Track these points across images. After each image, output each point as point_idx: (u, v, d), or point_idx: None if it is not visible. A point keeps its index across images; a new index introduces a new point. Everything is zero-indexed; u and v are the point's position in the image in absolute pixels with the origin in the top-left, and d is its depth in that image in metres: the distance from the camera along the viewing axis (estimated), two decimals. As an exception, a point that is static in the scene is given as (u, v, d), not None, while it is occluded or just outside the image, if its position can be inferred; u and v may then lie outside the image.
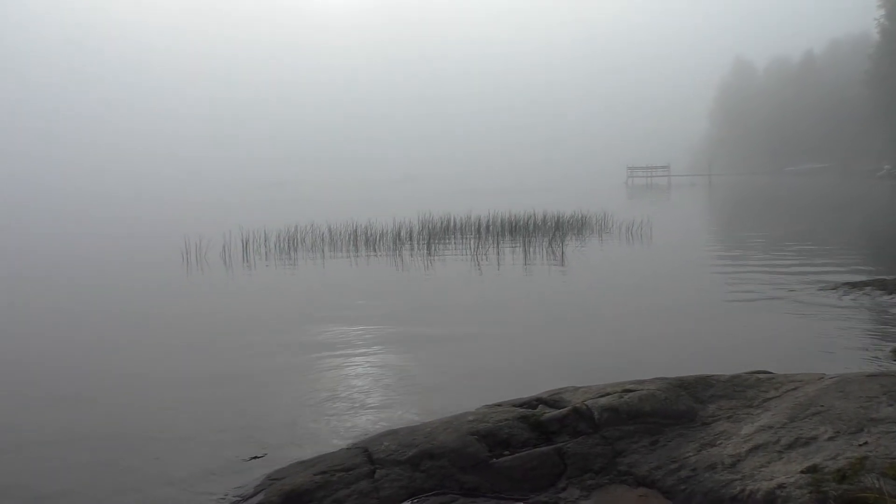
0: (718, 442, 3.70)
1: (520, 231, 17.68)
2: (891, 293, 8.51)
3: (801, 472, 3.18)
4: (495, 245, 15.66)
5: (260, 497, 3.75)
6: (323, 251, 15.57)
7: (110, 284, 12.06)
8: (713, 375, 4.40)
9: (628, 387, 4.27)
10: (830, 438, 3.40)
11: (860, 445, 3.28)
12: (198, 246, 15.39)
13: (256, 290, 10.93)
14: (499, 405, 4.48)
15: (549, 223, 18.49)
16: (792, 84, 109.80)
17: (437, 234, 17.35)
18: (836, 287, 9.16)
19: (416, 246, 15.91)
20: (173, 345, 7.40)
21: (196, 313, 9.16)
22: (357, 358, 6.58)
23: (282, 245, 16.42)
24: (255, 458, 4.32)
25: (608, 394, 4.21)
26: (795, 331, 7.15)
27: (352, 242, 16.70)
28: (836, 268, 11.23)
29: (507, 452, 3.88)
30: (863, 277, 9.81)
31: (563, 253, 14.16)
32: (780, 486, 3.12)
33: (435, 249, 15.22)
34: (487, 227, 18.04)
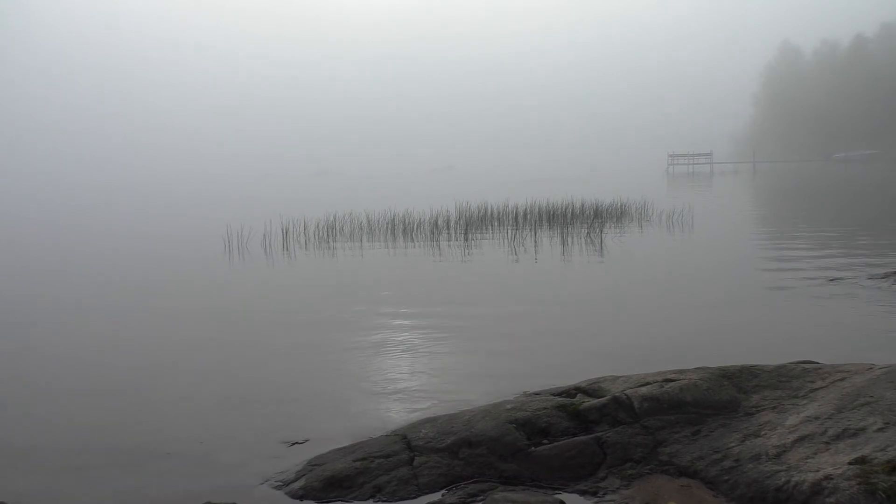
0: (763, 432, 3.64)
1: (557, 220, 17.57)
2: (944, 282, 8.27)
3: (849, 463, 3.12)
4: (532, 234, 15.59)
5: (301, 482, 3.81)
6: (361, 240, 15.67)
7: (155, 272, 12.29)
8: (757, 365, 4.34)
9: (669, 376, 4.23)
10: (880, 430, 3.33)
11: (911, 437, 3.20)
12: (239, 235, 15.60)
13: (295, 279, 11.05)
14: (537, 394, 4.47)
15: (587, 212, 18.35)
16: (841, 69, 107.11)
17: (473, 223, 17.34)
18: (885, 276, 8.93)
19: (453, 235, 15.92)
20: (214, 332, 7.53)
21: (235, 301, 9.29)
22: (395, 346, 6.62)
23: (321, 234, 16.57)
24: (296, 443, 4.38)
25: (648, 383, 4.17)
26: (843, 320, 6.99)
27: (389, 231, 16.78)
28: (886, 256, 10.95)
29: (545, 441, 3.87)
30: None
31: (601, 241, 14.03)
32: (827, 478, 3.07)
33: (472, 238, 15.21)
34: (525, 215, 17.96)
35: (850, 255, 11.33)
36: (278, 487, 3.83)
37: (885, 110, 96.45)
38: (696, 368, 4.40)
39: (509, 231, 16.12)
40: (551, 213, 18.23)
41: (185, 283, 11.08)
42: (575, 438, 3.86)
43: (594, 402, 4.10)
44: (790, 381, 4.14)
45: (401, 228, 16.91)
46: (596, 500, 3.50)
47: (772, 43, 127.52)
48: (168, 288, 10.65)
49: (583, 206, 19.02)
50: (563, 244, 13.86)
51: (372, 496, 3.63)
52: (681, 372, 4.32)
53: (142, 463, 4.20)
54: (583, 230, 15.82)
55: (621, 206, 19.57)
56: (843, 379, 4.01)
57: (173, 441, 4.50)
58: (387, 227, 17.17)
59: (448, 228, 16.82)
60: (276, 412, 4.97)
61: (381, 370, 5.90)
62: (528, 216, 17.95)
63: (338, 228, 17.23)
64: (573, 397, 4.29)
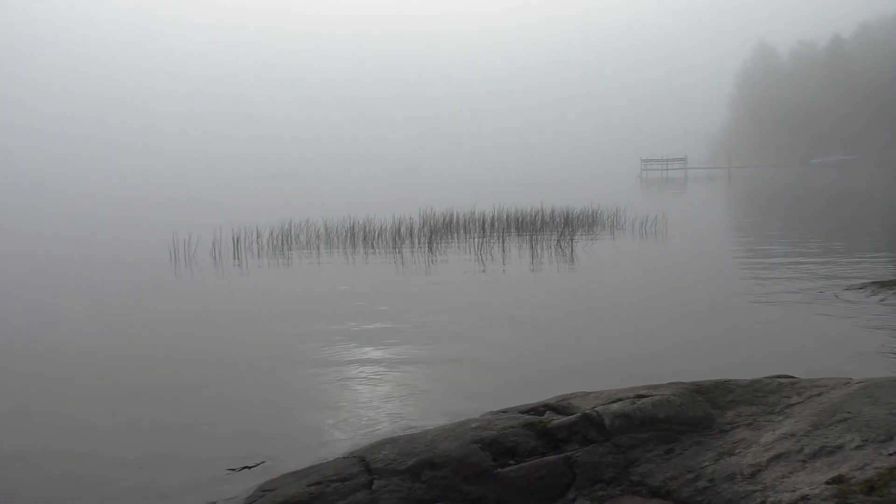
0: (737, 450, 3.69)
1: (526, 228, 17.68)
2: (922, 293, 8.48)
3: (827, 482, 3.17)
4: (500, 242, 15.65)
5: (250, 509, 3.76)
6: (318, 249, 15.59)
7: (94, 285, 12.07)
8: (732, 380, 4.39)
9: (641, 392, 4.26)
10: (858, 447, 3.39)
11: (890, 455, 3.26)
12: (186, 243, 15.42)
13: (247, 291, 10.94)
14: (504, 411, 4.48)
15: (557, 219, 18.49)
16: (818, 70, 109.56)
17: (438, 231, 17.36)
18: (863, 286, 9.14)
19: (416, 243, 15.92)
20: (158, 349, 7.41)
21: (183, 316, 9.17)
22: (354, 362, 6.58)
23: (275, 242, 16.45)
24: (246, 467, 4.33)
25: (620, 399, 4.20)
26: (820, 332, 7.13)
27: (349, 239, 16.72)
28: (864, 266, 11.21)
29: (512, 461, 3.88)
30: (893, 276, 9.79)
31: (572, 251, 14.15)
32: (804, 498, 3.12)
33: (437, 247, 15.22)
34: (492, 223, 18.04)
35: (827, 264, 11.57)
36: (226, 515, 3.78)
37: (864, 113, 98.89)
38: (669, 383, 4.44)
39: (476, 239, 16.17)
40: (520, 220, 18.33)
41: (126, 294, 10.90)
42: (543, 458, 3.87)
43: (563, 419, 4.11)
44: (766, 396, 4.21)
45: (361, 236, 16.86)
46: (565, 523, 3.51)
47: (747, 43, 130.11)
48: (107, 300, 10.46)
49: (553, 213, 19.16)
50: (532, 253, 13.95)
51: (327, 523, 3.59)
52: (653, 387, 4.36)
53: (74, 490, 4.11)
54: (553, 238, 15.93)
55: (593, 213, 19.76)
56: (819, 394, 4.09)
57: (109, 466, 4.41)
58: (346, 235, 17.11)
59: (411, 236, 16.81)
60: (223, 434, 4.90)
61: (338, 388, 5.86)
62: (496, 224, 18.03)
63: (293, 236, 17.12)
64: (541, 415, 4.31)
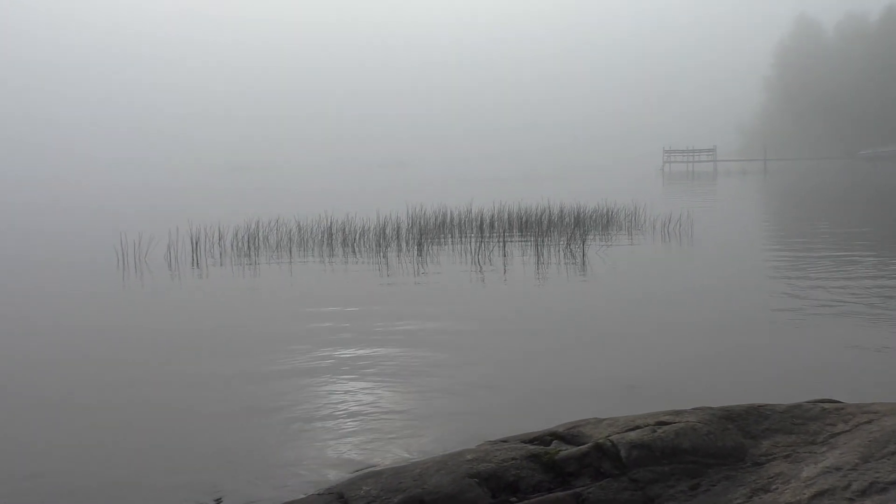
0: (774, 486, 3.70)
1: (531, 228, 17.71)
2: None
3: (875, 523, 3.18)
4: (501, 245, 15.68)
5: (210, 554, 3.75)
6: (290, 252, 15.59)
7: (21, 290, 12.03)
8: (767, 405, 4.41)
9: (663, 418, 4.27)
10: (912, 482, 3.40)
11: (947, 491, 3.27)
12: (137, 245, 15.41)
13: (206, 300, 10.92)
14: (504, 441, 4.48)
15: (567, 219, 18.53)
16: (869, 47, 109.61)
17: (430, 233, 17.38)
18: (919, 297, 9.18)
19: (404, 246, 15.94)
20: (104, 370, 7.38)
21: (129, 330, 9.14)
22: (332, 385, 6.57)
23: (239, 245, 16.44)
24: (205, 505, 4.32)
25: (638, 427, 4.21)
26: (870, 349, 7.15)
27: (326, 242, 16.73)
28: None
29: (514, 498, 3.88)
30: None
31: (584, 255, 14.18)
32: (849, 541, 3.12)
33: (427, 251, 15.24)
34: (492, 223, 18.07)
35: (879, 272, 11.61)
36: (182, 561, 3.78)
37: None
38: (694, 409, 4.45)
39: (473, 242, 16.20)
40: (524, 219, 18.38)
41: (59, 303, 10.86)
42: (549, 495, 3.87)
43: (573, 450, 4.12)
44: (806, 423, 4.22)
45: (340, 238, 16.88)
46: (574, 570, 3.51)
47: (786, 17, 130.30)
48: (39, 314, 10.42)
49: (562, 211, 19.22)
50: (538, 258, 13.96)
51: (299, 570, 3.59)
52: (676, 413, 4.36)
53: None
54: (562, 241, 15.97)
55: (608, 211, 19.82)
56: (869, 421, 4.10)
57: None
58: (322, 237, 17.12)
59: (398, 238, 16.83)
60: (179, 465, 4.89)
61: (313, 413, 5.85)
62: (496, 224, 18.07)
63: (261, 238, 17.12)
64: (548, 445, 4.31)
